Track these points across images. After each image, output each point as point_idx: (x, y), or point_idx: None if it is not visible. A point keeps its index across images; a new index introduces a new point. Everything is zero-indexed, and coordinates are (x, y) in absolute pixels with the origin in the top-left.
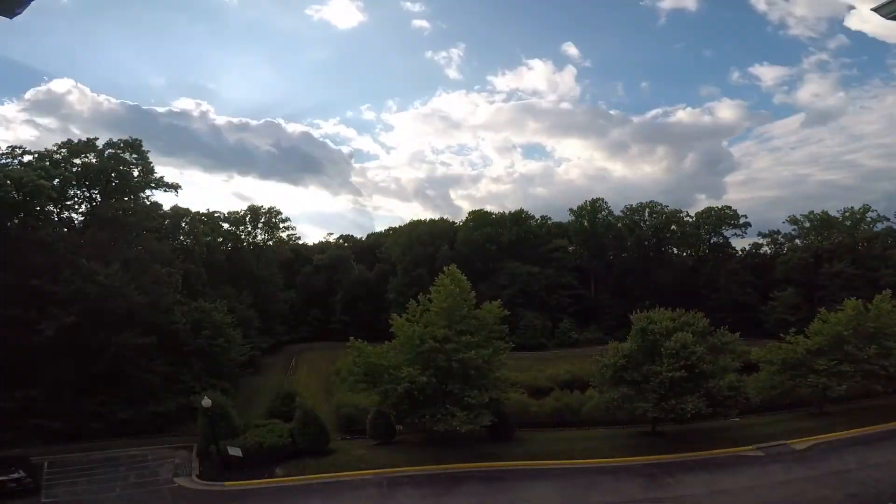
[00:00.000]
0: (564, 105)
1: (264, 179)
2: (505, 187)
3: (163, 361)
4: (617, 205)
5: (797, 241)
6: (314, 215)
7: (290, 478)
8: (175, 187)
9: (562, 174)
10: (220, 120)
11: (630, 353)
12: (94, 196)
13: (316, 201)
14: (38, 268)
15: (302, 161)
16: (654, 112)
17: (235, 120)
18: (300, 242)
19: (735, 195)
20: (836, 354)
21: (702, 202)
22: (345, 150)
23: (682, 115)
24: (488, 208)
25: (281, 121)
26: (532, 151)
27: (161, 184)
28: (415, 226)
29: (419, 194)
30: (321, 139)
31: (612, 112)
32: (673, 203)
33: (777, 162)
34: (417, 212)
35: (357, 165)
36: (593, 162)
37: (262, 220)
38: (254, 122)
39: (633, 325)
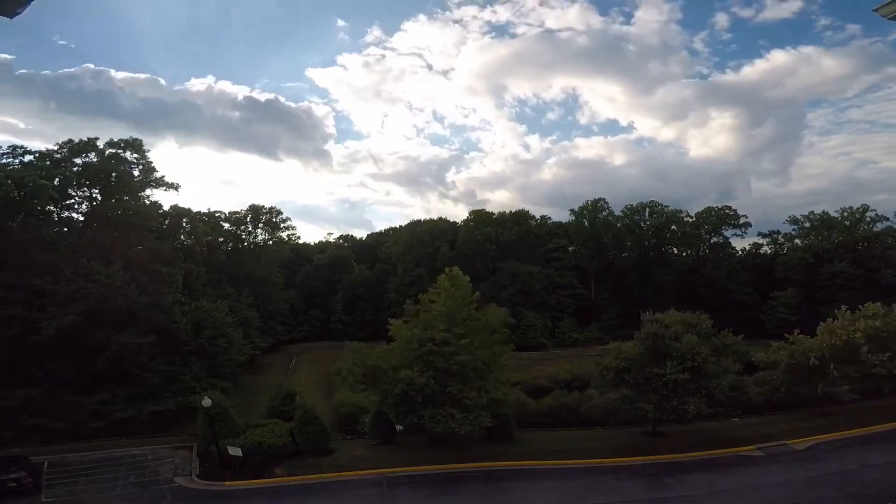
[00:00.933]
0: (605, 41)
1: (242, 152)
2: (511, 167)
3: (163, 361)
4: (655, 191)
5: (797, 241)
6: (302, 210)
7: (290, 478)
8: (175, 186)
9: (585, 149)
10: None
11: (635, 355)
12: (94, 196)
13: (292, 179)
14: (39, 267)
15: (259, 123)
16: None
17: (139, 76)
18: (300, 242)
19: (799, 185)
20: (850, 360)
21: (758, 190)
22: (304, 106)
23: (777, 59)
24: (489, 203)
25: (210, 78)
26: (548, 110)
27: (161, 183)
28: (415, 226)
29: (409, 179)
30: (268, 99)
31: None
32: (723, 192)
33: (845, 142)
34: (398, 195)
35: (336, 145)
36: (625, 137)
37: (263, 219)
38: (163, 82)
39: (643, 328)
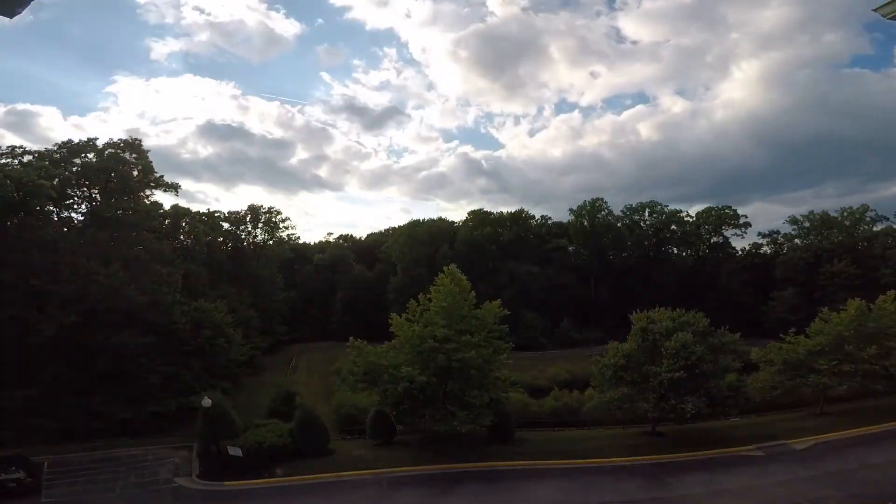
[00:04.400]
0: None
1: None
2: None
3: (163, 361)
4: None
5: (797, 240)
6: None
7: (290, 478)
8: (175, 187)
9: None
10: None
11: (630, 353)
12: (94, 196)
13: None
14: (38, 267)
15: None
16: None
17: None
18: (300, 242)
19: None
20: (836, 354)
21: None
22: None
23: None
24: (487, 207)
25: None
26: None
27: (161, 183)
28: (414, 226)
29: None
30: None
31: None
32: None
33: None
34: None
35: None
36: None
37: (263, 219)
38: None
39: (634, 325)
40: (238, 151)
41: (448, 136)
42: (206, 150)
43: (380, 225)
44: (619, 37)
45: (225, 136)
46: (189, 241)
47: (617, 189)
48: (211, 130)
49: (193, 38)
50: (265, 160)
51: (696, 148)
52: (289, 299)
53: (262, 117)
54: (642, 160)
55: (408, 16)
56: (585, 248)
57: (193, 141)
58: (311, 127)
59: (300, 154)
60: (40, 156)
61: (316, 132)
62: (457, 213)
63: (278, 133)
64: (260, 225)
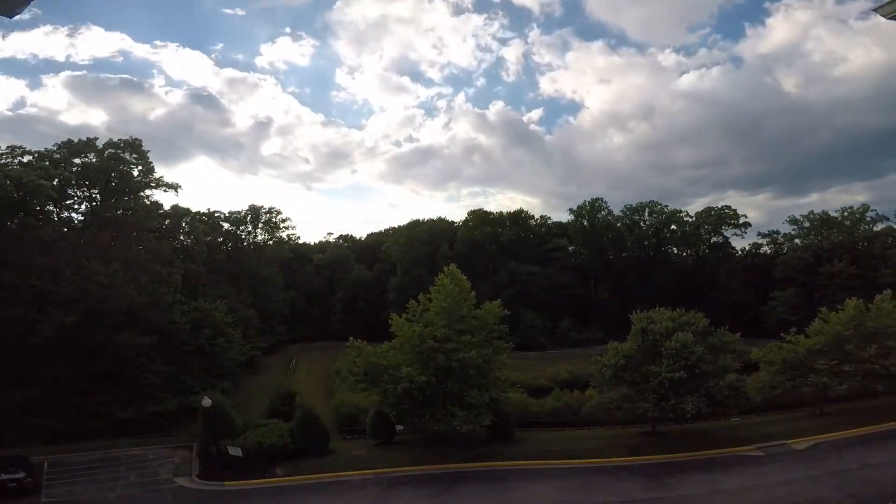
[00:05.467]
0: None
1: None
2: None
3: (163, 361)
4: None
5: (797, 240)
6: None
7: (290, 478)
8: (175, 187)
9: None
10: None
11: (630, 353)
12: (94, 196)
13: None
14: (38, 267)
15: None
16: None
17: None
18: (300, 242)
19: None
20: (836, 354)
21: None
22: None
23: None
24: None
25: None
26: None
27: (161, 184)
28: (414, 225)
29: None
30: None
31: None
32: None
33: None
34: None
35: None
36: None
37: (263, 219)
38: None
39: (634, 325)
40: (133, 111)
41: (426, 81)
42: (92, 111)
43: (364, 217)
44: None
45: (110, 88)
46: (189, 240)
47: (692, 166)
48: (91, 83)
49: None
50: (181, 125)
51: (803, 113)
52: (289, 299)
53: (159, 62)
54: (737, 124)
55: None
56: (585, 248)
57: (67, 97)
58: (224, 75)
59: (236, 119)
60: (40, 156)
61: (236, 82)
62: (447, 205)
63: (187, 82)
64: (260, 225)
